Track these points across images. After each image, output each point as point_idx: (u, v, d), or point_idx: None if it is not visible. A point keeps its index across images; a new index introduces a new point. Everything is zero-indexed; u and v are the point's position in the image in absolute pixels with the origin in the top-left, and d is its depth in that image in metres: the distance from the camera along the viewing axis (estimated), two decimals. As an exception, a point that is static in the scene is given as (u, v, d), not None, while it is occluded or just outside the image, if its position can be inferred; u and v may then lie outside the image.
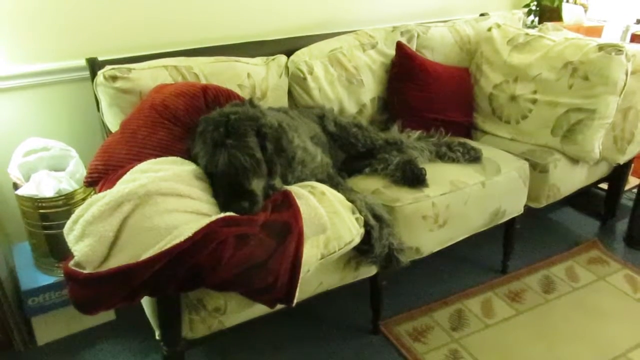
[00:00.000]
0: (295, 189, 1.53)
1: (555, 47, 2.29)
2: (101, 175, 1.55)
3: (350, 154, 2.08)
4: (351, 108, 2.33)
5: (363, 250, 1.65)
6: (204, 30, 2.25)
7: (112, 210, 1.22)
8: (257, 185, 1.44)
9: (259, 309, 1.57)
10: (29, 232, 1.89)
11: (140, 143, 1.58)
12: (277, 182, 1.55)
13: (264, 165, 1.48)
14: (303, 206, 1.45)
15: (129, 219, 1.24)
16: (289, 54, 2.23)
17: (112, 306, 1.24)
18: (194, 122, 1.60)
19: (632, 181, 2.88)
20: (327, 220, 1.50)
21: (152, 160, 1.45)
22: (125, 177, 1.37)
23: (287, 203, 1.44)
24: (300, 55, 2.21)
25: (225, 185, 1.41)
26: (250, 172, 1.42)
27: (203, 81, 1.93)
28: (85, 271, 1.17)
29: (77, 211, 1.25)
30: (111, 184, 1.38)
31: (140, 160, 1.47)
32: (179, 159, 1.49)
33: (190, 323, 1.48)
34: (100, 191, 1.47)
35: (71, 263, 1.18)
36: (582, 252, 2.52)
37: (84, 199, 1.85)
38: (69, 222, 1.24)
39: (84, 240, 1.19)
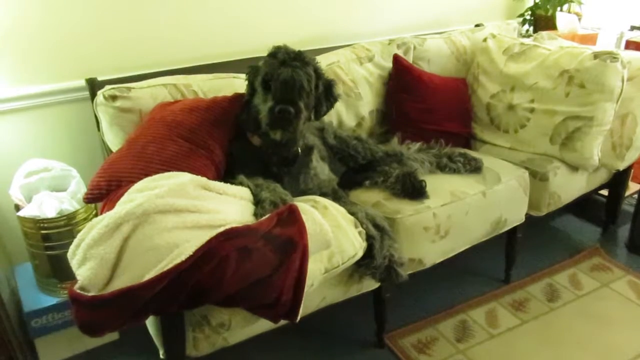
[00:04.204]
0: (300, 205, 1.54)
1: (551, 55, 2.31)
2: (102, 192, 1.55)
3: (350, 167, 2.08)
4: (350, 121, 2.34)
5: (364, 263, 1.65)
6: (202, 47, 2.27)
7: (111, 232, 1.23)
8: (302, 108, 1.60)
9: (263, 325, 1.57)
10: (31, 253, 1.89)
11: (148, 158, 1.59)
12: (289, 198, 1.56)
13: (313, 99, 1.68)
14: (308, 222, 1.45)
15: (129, 239, 1.24)
16: (286, 69, 2.24)
17: (118, 327, 1.24)
18: (211, 135, 1.69)
19: (632, 187, 2.88)
20: (332, 236, 1.50)
21: (148, 178, 1.45)
22: (122, 198, 1.37)
23: (293, 218, 1.43)
24: (298, 70, 2.23)
25: (279, 92, 1.58)
26: (304, 91, 1.61)
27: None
28: (89, 294, 1.17)
29: (79, 235, 1.25)
30: (112, 205, 1.38)
31: (147, 176, 1.47)
32: (174, 173, 1.49)
33: (194, 341, 1.47)
34: (102, 211, 1.48)
35: (76, 287, 1.18)
36: (585, 259, 2.52)
37: (85, 219, 1.85)
38: (72, 247, 1.24)
39: (86, 264, 1.19)
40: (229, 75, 2.08)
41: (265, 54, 1.67)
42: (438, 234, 1.89)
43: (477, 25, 2.93)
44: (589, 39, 3.08)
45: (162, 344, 1.48)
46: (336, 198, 1.76)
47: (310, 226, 1.45)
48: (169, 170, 1.52)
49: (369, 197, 1.94)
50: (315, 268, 1.48)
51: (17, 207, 1.85)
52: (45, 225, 1.79)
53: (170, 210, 1.30)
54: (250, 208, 1.50)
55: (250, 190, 1.56)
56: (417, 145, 2.23)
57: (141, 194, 1.33)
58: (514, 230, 2.22)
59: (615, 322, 2.10)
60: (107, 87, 1.84)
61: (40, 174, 1.89)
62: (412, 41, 2.55)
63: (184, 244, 1.25)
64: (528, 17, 3.29)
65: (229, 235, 1.29)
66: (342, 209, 1.68)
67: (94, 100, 1.87)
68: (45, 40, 1.95)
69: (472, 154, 2.20)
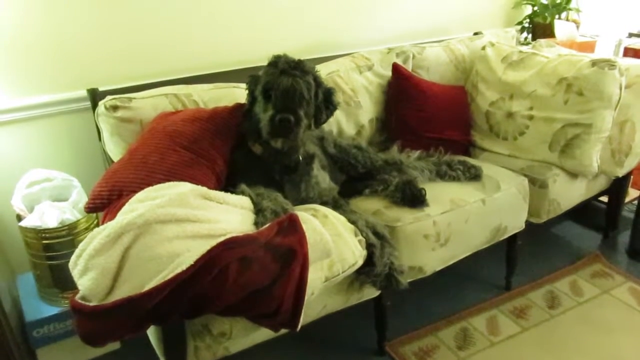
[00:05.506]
0: (300, 214, 1.54)
1: (549, 63, 2.32)
2: (104, 202, 1.56)
3: (350, 176, 2.09)
4: (350, 130, 2.35)
5: (365, 271, 1.66)
6: (202, 57, 2.29)
7: (112, 242, 1.23)
8: (302, 116, 1.62)
9: (264, 334, 1.58)
10: (32, 263, 1.90)
11: (149, 168, 1.59)
12: (290, 207, 1.57)
13: (313, 107, 1.69)
14: (309, 231, 1.45)
15: (130, 249, 1.25)
16: (286, 78, 2.25)
17: (119, 337, 1.25)
18: (212, 145, 1.71)
19: (632, 193, 2.89)
20: (333, 246, 1.51)
21: (150, 188, 1.46)
22: (124, 208, 1.38)
23: (293, 227, 1.44)
24: (298, 79, 2.24)
25: (279, 101, 1.60)
26: (304, 100, 1.63)
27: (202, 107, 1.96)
28: (90, 304, 1.18)
29: (80, 245, 1.25)
30: (114, 215, 1.39)
31: (149, 185, 1.48)
32: (175, 183, 1.50)
33: (195, 350, 1.48)
34: (104, 221, 1.49)
35: (77, 297, 1.19)
36: (585, 265, 2.52)
37: (87, 229, 1.86)
38: (73, 257, 1.25)
39: (87, 274, 1.20)
40: (229, 85, 2.09)
41: (265, 63, 1.69)
42: (438, 242, 1.89)
43: (475, 34, 2.95)
44: (587, 47, 3.10)
45: (163, 353, 1.48)
46: (336, 206, 1.77)
47: (311, 235, 1.45)
48: (170, 180, 1.53)
49: (369, 205, 1.94)
50: (316, 277, 1.48)
51: (19, 217, 1.85)
52: (47, 235, 1.80)
53: (171, 220, 1.31)
54: (250, 217, 1.50)
55: (252, 199, 1.57)
56: (417, 153, 2.23)
57: (142, 204, 1.34)
58: (514, 238, 2.22)
59: (616, 329, 2.10)
60: (108, 97, 1.86)
61: (42, 184, 1.90)
62: (411, 50, 2.56)
63: (185, 253, 1.25)
64: (526, 25, 3.30)
65: (230, 245, 1.29)
66: (342, 218, 1.69)
67: (95, 110, 1.88)
68: (47, 51, 1.97)
69: (472, 161, 2.21)
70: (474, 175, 2.11)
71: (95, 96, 1.98)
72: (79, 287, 1.21)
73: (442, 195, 1.96)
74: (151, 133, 1.74)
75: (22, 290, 2.01)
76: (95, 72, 2.07)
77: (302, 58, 1.69)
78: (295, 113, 1.59)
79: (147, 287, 1.19)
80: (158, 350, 1.53)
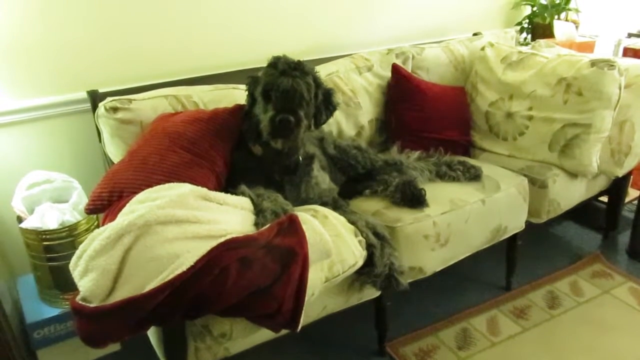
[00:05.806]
0: (300, 214, 1.54)
1: (549, 64, 2.32)
2: (104, 203, 1.57)
3: (350, 176, 2.09)
4: (349, 130, 2.35)
5: (365, 271, 1.66)
6: (202, 59, 2.29)
7: (113, 243, 1.24)
8: (302, 117, 1.62)
9: (264, 334, 1.58)
10: (33, 265, 1.90)
11: (149, 169, 1.60)
12: (290, 208, 1.57)
13: (313, 108, 1.70)
14: (309, 231, 1.45)
15: (130, 250, 1.25)
16: (286, 79, 2.26)
17: (120, 338, 1.25)
18: (212, 146, 1.71)
19: (632, 193, 2.89)
20: (332, 246, 1.51)
21: (150, 189, 1.46)
22: (124, 209, 1.39)
23: (293, 228, 1.44)
24: (297, 80, 2.25)
25: (279, 102, 1.60)
26: (304, 100, 1.63)
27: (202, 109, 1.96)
28: (91, 305, 1.18)
29: (81, 247, 1.26)
30: (114, 216, 1.39)
31: (149, 186, 1.49)
32: (175, 184, 1.51)
33: (196, 351, 1.48)
34: (104, 222, 1.49)
35: (77, 298, 1.19)
36: (586, 266, 2.52)
37: (87, 230, 1.87)
38: (73, 258, 1.25)
39: (88, 275, 1.20)
40: (228, 86, 2.09)
41: (264, 64, 1.69)
42: (438, 242, 1.89)
43: (475, 34, 2.95)
44: (587, 47, 3.10)
45: (163, 354, 1.49)
46: (336, 207, 1.77)
47: (311, 236, 1.45)
48: (170, 181, 1.53)
49: (369, 206, 1.95)
50: (316, 277, 1.49)
51: (20, 219, 1.86)
52: (47, 236, 1.80)
53: (172, 221, 1.31)
54: (250, 218, 1.51)
55: (252, 200, 1.57)
56: (417, 153, 2.24)
57: (142, 205, 1.34)
58: (514, 238, 2.22)
59: (617, 329, 2.10)
60: (108, 99, 1.86)
61: (42, 186, 1.90)
62: (410, 50, 2.57)
63: (185, 254, 1.25)
64: (526, 26, 3.31)
65: (230, 246, 1.29)
66: (342, 218, 1.69)
67: (95, 112, 1.89)
68: (47, 53, 1.97)
69: (471, 161, 2.21)
70: (473, 176, 2.12)
71: (95, 98, 1.99)
72: (80, 288, 1.21)
73: (441, 196, 1.96)
74: (151, 134, 1.74)
75: (23, 292, 2.01)
76: (95, 73, 2.08)
77: (301, 59, 1.69)
78: (295, 114, 1.60)
79: (147, 288, 1.19)
80: (158, 351, 1.53)
